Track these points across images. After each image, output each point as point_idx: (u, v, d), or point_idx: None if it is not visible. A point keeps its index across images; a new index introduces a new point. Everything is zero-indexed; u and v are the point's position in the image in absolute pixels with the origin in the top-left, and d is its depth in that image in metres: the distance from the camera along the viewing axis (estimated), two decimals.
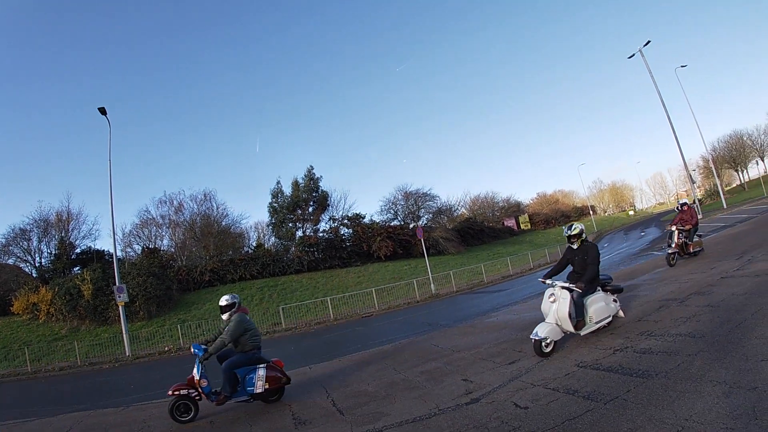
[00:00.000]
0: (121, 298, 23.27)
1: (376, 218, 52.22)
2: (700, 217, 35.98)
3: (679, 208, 14.53)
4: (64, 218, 39.87)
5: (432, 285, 28.54)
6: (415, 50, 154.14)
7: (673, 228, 13.84)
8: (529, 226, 76.91)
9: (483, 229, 62.86)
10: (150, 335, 25.53)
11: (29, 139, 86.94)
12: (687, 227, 13.78)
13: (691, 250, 13.98)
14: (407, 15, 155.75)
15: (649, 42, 37.25)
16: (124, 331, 22.97)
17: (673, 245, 13.66)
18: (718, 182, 48.83)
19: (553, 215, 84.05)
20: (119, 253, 40.09)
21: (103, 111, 24.75)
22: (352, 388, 7.54)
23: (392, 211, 56.40)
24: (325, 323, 23.38)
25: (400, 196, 56.84)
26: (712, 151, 66.60)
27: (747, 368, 4.54)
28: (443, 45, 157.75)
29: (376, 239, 44.53)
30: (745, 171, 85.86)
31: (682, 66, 46.59)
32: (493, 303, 18.39)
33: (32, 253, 38.50)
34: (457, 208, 67.61)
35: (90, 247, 40.52)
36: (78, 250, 39.71)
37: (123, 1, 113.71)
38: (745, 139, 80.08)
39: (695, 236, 14.19)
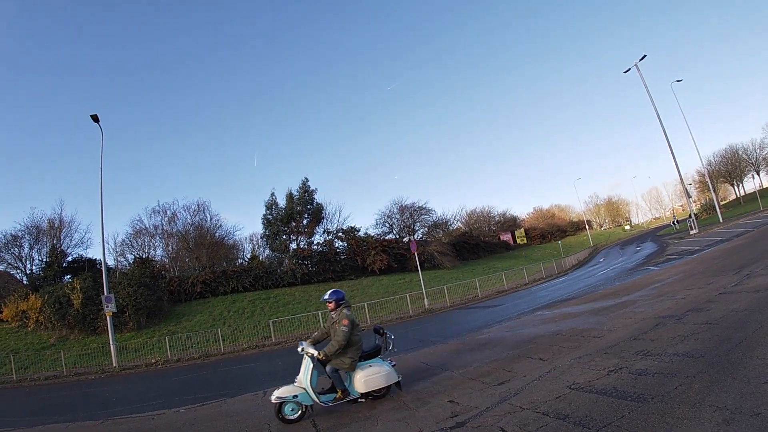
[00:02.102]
0: (109, 308, 22.92)
1: (371, 231, 51.94)
2: (695, 231, 35.95)
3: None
4: (56, 225, 39.31)
5: (425, 300, 28.14)
6: (408, 64, 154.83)
7: None
8: (525, 241, 76.65)
9: (479, 243, 62.65)
10: (139, 346, 25.08)
11: (22, 143, 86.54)
12: None
13: None
14: (402, 29, 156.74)
15: (644, 56, 37.47)
16: (111, 342, 22.58)
17: None
18: (714, 196, 48.77)
19: (550, 230, 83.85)
20: (111, 263, 39.79)
21: (95, 118, 24.55)
22: (336, 406, 7.20)
23: (387, 225, 56.13)
24: None
25: (395, 210, 56.60)
26: (707, 165, 66.57)
27: (749, 392, 4.25)
28: (437, 60, 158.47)
29: (370, 253, 44.23)
30: (740, 185, 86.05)
31: (677, 80, 46.84)
32: (486, 319, 18.05)
33: (23, 260, 37.95)
34: (453, 222, 67.21)
35: (82, 255, 39.99)
36: (69, 258, 39.13)
37: (119, 4, 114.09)
38: (740, 153, 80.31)
39: None
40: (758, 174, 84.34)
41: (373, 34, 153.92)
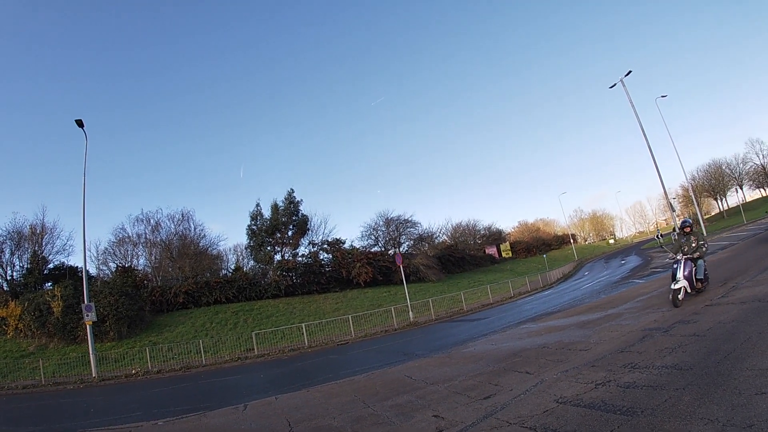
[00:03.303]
0: (89, 317, 22.56)
1: (357, 244, 51.91)
2: None
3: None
4: (38, 232, 38.66)
5: (410, 313, 27.93)
6: (394, 78, 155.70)
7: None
8: (511, 254, 76.94)
9: (464, 257, 62.72)
10: (119, 357, 24.59)
11: (5, 147, 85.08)
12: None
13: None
14: (388, 44, 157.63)
15: (630, 72, 37.80)
16: (91, 351, 22.17)
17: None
18: (697, 211, 49.25)
19: (535, 243, 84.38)
20: (93, 271, 39.20)
21: (80, 123, 24.41)
22: (317, 422, 6.99)
23: (373, 237, 56.02)
24: (299, 350, 22.64)
25: (381, 222, 56.57)
26: (691, 179, 67.52)
27: (740, 403, 4.14)
28: (421, 75, 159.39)
29: (355, 265, 43.93)
30: (724, 199, 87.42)
31: (662, 96, 47.29)
32: (471, 332, 17.96)
33: (4, 266, 37.27)
34: (439, 236, 67.23)
35: (63, 262, 39.25)
36: (51, 265, 38.44)
37: (102, 8, 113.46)
38: (723, 167, 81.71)
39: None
40: (741, 188, 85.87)
41: (359, 48, 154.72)
